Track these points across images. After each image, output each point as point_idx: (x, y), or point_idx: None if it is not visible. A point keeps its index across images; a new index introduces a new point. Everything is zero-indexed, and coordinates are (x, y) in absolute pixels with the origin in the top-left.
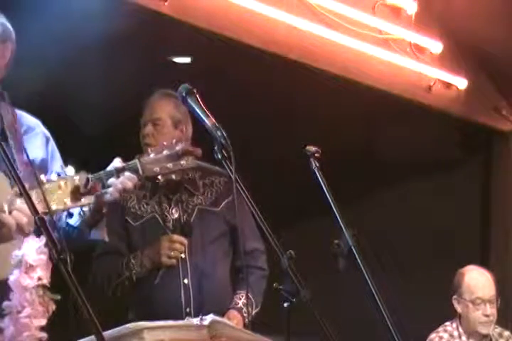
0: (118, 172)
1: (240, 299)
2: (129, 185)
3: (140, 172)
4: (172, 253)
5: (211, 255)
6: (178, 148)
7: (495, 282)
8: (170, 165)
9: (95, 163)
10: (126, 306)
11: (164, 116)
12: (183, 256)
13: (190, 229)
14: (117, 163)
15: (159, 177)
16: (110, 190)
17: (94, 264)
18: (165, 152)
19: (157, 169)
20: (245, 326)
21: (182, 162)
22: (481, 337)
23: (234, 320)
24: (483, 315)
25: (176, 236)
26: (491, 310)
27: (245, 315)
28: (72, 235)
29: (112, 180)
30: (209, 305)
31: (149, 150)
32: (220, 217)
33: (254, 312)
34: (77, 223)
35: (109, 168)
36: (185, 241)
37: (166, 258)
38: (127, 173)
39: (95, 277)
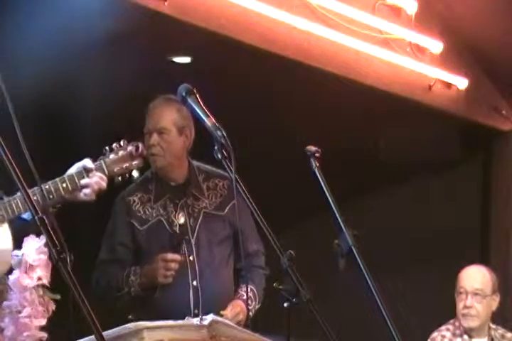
0: (87, 172)
1: (245, 292)
2: (103, 185)
3: (106, 172)
4: (168, 272)
5: (217, 257)
6: (130, 148)
7: (492, 280)
8: (126, 165)
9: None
10: (127, 306)
11: (169, 125)
12: (191, 258)
13: (191, 248)
14: (89, 163)
15: (118, 177)
16: (87, 191)
17: (97, 271)
18: (121, 153)
19: (117, 169)
20: (248, 319)
21: (135, 162)
22: (482, 336)
23: (237, 307)
24: (463, 306)
25: (169, 256)
26: (473, 302)
27: (249, 307)
28: (22, 227)
29: (86, 181)
30: (216, 307)
31: (105, 149)
32: (225, 221)
33: (256, 308)
34: (30, 217)
35: (76, 168)
36: (179, 258)
37: (162, 277)
38: (98, 174)
39: (97, 285)
